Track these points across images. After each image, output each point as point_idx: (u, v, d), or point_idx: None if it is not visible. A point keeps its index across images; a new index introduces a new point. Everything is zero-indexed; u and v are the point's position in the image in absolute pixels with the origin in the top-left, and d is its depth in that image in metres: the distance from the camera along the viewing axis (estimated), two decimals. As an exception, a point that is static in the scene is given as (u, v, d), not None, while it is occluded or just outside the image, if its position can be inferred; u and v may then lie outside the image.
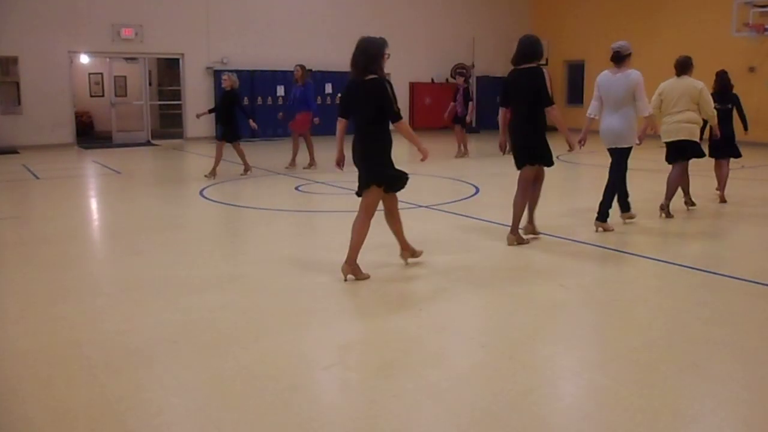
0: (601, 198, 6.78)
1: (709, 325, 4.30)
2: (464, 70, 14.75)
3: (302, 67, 11.85)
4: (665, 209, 7.31)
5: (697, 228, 7.34)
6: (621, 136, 6.59)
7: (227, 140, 10.75)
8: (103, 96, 19.52)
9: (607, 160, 7.00)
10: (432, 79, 20.69)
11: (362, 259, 5.14)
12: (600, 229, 6.67)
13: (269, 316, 4.45)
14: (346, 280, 5.02)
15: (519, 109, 6.00)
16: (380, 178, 5.07)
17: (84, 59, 17.84)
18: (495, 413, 3.08)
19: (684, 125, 7.24)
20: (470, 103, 13.70)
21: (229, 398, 3.22)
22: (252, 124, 11.01)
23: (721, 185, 8.45)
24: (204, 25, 17.34)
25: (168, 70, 19.73)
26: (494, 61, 21.48)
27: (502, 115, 6.13)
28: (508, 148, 6.33)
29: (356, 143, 5.10)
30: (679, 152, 7.39)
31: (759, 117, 15.75)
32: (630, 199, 7.07)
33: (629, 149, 6.72)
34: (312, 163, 11.83)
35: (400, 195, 5.43)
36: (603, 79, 6.69)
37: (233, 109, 10.69)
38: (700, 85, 7.27)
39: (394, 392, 3.29)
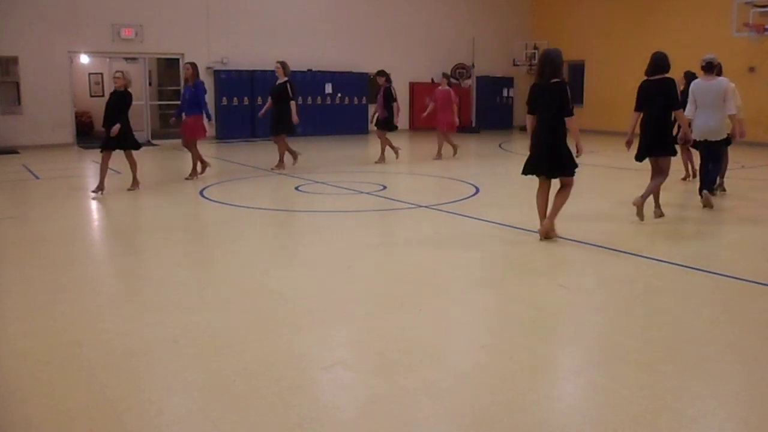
0: (699, 181, 8.12)
1: (709, 325, 4.30)
2: (384, 70, 12.82)
3: (192, 64, 10.45)
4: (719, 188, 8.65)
5: (697, 228, 7.34)
6: (716, 130, 7.94)
7: (119, 147, 8.99)
8: (103, 96, 19.48)
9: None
10: (432, 80, 20.69)
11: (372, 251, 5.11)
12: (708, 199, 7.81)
13: (269, 316, 4.45)
14: (542, 239, 6.17)
15: (651, 112, 7.16)
16: (574, 167, 6.28)
17: (84, 59, 17.83)
18: (495, 413, 3.08)
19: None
20: (394, 104, 12.38)
21: (229, 398, 3.22)
22: (113, 129, 8.93)
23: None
24: (204, 25, 17.34)
25: (168, 70, 19.73)
26: (494, 61, 21.49)
27: (635, 118, 7.28)
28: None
29: (543, 134, 6.19)
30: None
31: (759, 117, 15.74)
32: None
33: (727, 140, 8.23)
34: (194, 174, 10.34)
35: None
36: (698, 86, 7.96)
37: (121, 112, 9.04)
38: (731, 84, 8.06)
39: (394, 392, 3.29)
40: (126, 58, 17.22)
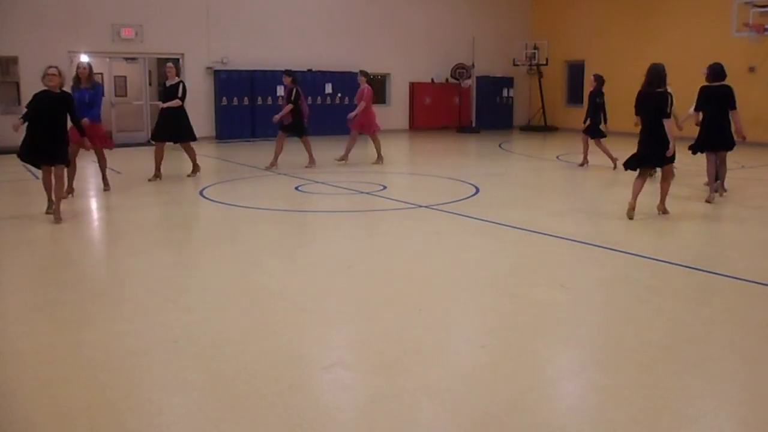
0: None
1: (709, 325, 4.30)
2: (291, 69, 12.05)
3: (89, 65, 9.45)
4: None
5: (697, 228, 7.34)
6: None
7: (55, 161, 7.41)
8: (103, 96, 19.52)
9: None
10: (432, 79, 20.70)
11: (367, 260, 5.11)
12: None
13: (269, 316, 4.45)
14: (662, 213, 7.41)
15: (711, 113, 8.46)
16: (671, 159, 7.29)
17: (84, 59, 17.82)
18: (495, 413, 3.08)
19: None
20: (299, 105, 11.30)
21: (229, 398, 3.22)
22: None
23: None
24: (204, 25, 17.34)
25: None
26: (494, 61, 21.48)
27: (693, 116, 8.69)
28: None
29: (650, 134, 7.25)
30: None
31: (759, 117, 15.74)
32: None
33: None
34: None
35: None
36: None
37: (63, 117, 7.43)
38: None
39: (394, 392, 3.29)
40: (126, 58, 17.22)
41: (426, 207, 8.05)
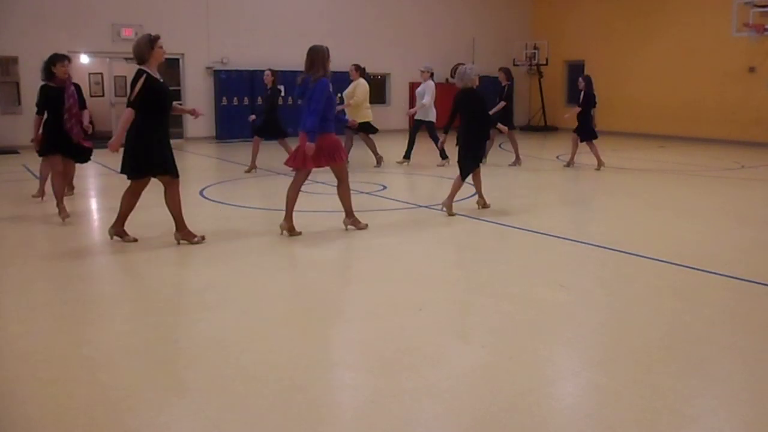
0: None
1: (710, 325, 4.30)
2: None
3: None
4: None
5: (697, 228, 7.34)
6: None
7: None
8: (103, 96, 19.53)
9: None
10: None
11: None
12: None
13: (269, 316, 4.45)
14: None
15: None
16: None
17: (84, 59, 17.83)
18: (495, 413, 3.08)
19: None
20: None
21: (229, 398, 3.22)
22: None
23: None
24: (204, 25, 17.35)
25: (168, 70, 19.73)
26: (494, 61, 21.47)
27: None
28: None
29: None
30: None
31: (759, 117, 15.74)
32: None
33: None
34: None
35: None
36: None
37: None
38: None
39: (394, 392, 3.29)
40: (126, 58, 17.20)
41: (426, 207, 8.05)
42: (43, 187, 8.60)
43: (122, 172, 6.11)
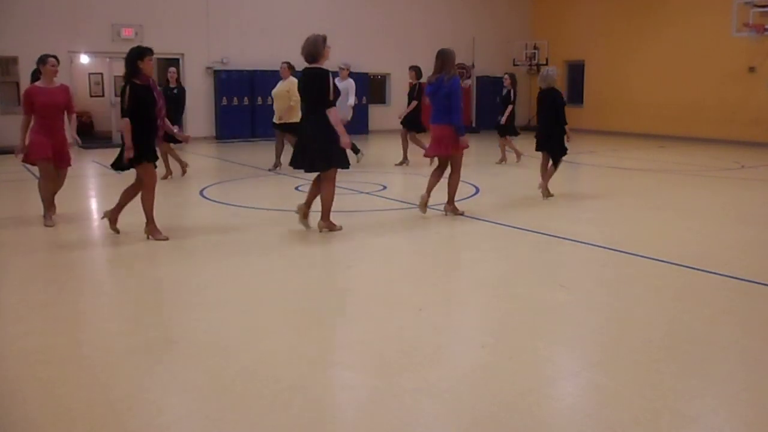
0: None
1: (709, 325, 4.30)
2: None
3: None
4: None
5: (697, 228, 7.34)
6: None
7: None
8: (103, 96, 19.53)
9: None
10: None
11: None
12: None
13: (269, 315, 4.45)
14: None
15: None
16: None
17: (84, 59, 17.84)
18: (495, 413, 3.08)
19: None
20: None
21: (229, 398, 3.22)
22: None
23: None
24: (204, 25, 17.34)
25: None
26: (494, 61, 21.48)
27: None
28: None
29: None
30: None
31: (759, 117, 15.74)
32: None
33: None
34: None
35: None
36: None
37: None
38: None
39: (394, 392, 3.29)
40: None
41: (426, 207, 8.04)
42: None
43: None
